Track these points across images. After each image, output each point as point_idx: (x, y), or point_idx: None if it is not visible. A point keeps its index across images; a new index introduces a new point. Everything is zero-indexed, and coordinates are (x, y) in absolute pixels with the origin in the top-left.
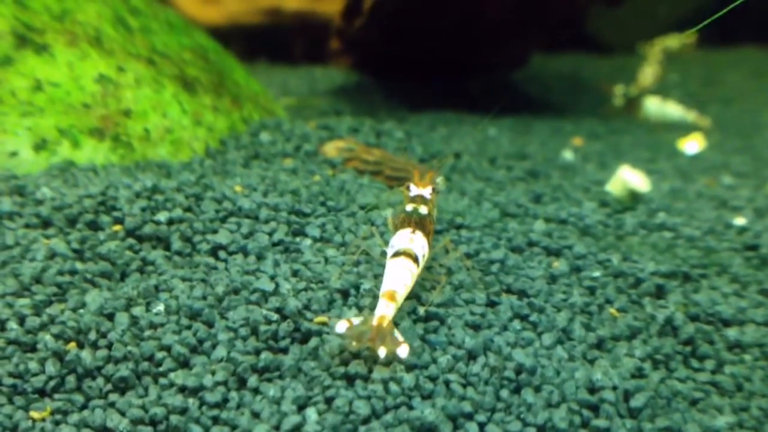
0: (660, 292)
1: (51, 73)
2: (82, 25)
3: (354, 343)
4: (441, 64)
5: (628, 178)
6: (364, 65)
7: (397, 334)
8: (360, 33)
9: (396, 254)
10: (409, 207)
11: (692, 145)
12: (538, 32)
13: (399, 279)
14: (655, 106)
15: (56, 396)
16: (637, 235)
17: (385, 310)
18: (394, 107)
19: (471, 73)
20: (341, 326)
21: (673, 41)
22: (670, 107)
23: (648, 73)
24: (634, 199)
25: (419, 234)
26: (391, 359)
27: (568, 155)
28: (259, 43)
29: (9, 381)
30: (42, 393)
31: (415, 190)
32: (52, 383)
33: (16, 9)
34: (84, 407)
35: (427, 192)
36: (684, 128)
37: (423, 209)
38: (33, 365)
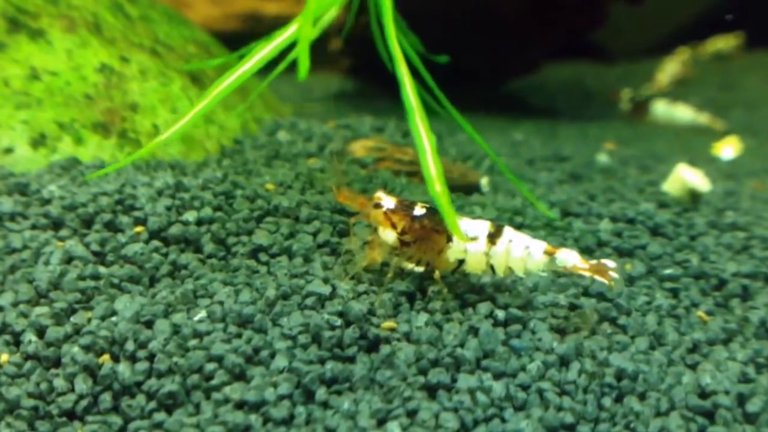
0: (745, 294)
1: (48, 61)
2: (79, 9)
3: (615, 283)
4: (451, 66)
5: (688, 177)
6: (364, 68)
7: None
8: (365, 30)
9: (494, 233)
10: (419, 210)
11: (728, 150)
12: (557, 33)
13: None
14: (662, 109)
15: (89, 418)
16: (710, 235)
17: (572, 252)
18: (402, 114)
19: (483, 76)
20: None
21: (722, 43)
22: (679, 110)
23: (667, 72)
24: (693, 199)
25: (464, 218)
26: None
27: (603, 158)
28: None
29: (29, 403)
30: (71, 416)
31: (389, 201)
32: (83, 403)
33: None
34: (123, 430)
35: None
36: (712, 133)
37: (427, 204)
38: (59, 383)
